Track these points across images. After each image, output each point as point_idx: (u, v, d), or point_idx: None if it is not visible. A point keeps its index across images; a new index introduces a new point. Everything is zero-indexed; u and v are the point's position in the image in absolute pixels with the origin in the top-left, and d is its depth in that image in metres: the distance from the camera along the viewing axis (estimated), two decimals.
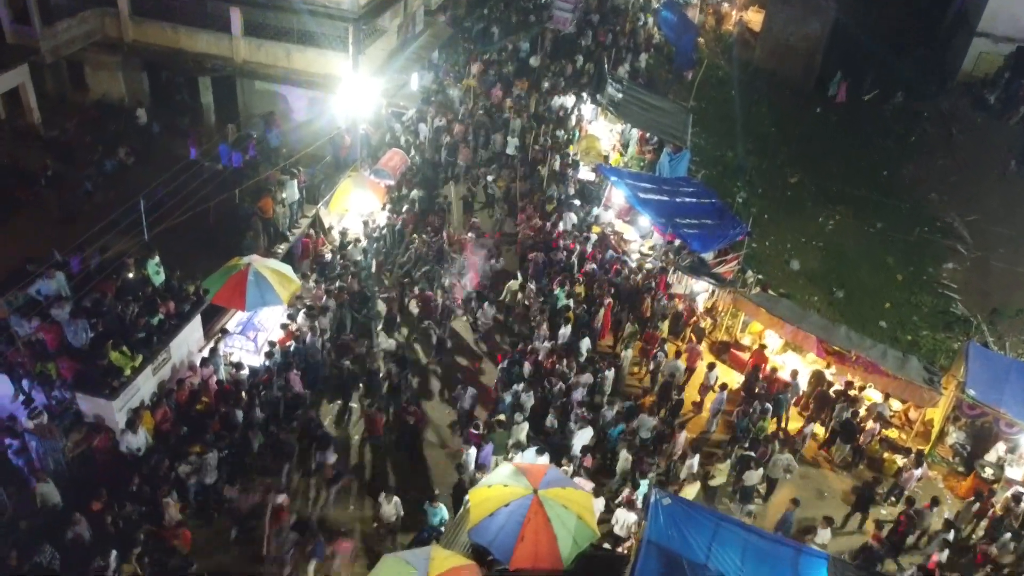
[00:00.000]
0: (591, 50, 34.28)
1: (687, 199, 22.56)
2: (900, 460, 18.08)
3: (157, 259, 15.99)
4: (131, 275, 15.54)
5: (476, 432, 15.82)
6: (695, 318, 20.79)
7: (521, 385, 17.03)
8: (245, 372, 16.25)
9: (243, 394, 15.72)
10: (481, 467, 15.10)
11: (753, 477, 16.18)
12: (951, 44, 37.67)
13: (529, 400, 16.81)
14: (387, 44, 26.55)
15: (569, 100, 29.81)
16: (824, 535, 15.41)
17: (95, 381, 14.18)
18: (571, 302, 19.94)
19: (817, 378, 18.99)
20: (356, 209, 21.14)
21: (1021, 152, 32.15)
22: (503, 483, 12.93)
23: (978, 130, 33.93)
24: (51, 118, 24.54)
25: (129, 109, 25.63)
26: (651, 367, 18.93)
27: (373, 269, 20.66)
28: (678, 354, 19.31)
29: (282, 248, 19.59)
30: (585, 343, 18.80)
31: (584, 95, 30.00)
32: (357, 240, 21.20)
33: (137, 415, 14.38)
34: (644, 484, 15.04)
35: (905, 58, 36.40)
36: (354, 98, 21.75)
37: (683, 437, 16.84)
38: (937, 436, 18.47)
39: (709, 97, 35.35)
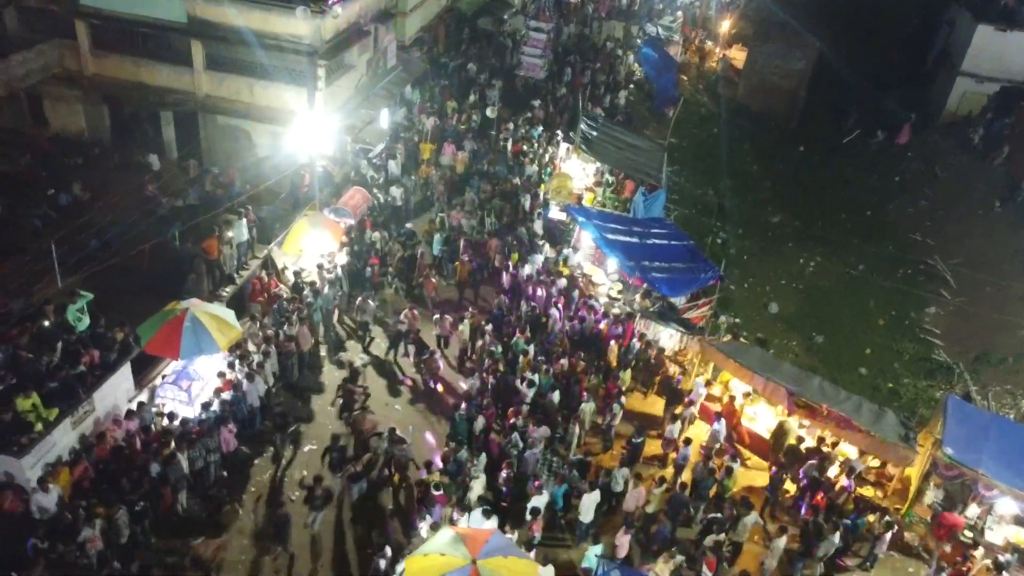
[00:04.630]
0: (560, 96, 33.34)
1: (658, 241, 21.67)
2: (874, 519, 17.05)
3: (80, 304, 15.02)
4: (47, 323, 14.57)
5: (438, 492, 14.87)
6: (663, 367, 19.86)
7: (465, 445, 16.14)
8: (175, 423, 15.25)
9: (170, 444, 14.67)
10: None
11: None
12: (934, 84, 37.37)
13: (482, 459, 15.89)
14: (354, 79, 25.95)
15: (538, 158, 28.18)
16: None
17: (2, 437, 13.18)
18: (531, 348, 19.09)
19: (780, 430, 17.91)
20: (311, 250, 20.28)
21: (1005, 192, 31.51)
22: (440, 552, 12.14)
23: (963, 169, 33.33)
24: (7, 152, 23.90)
25: (88, 143, 25.06)
26: (607, 419, 17.90)
27: (333, 314, 19.88)
28: None
29: (228, 291, 18.69)
30: (555, 396, 17.89)
31: (558, 133, 29.35)
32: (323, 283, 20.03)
33: (51, 473, 13.42)
34: (592, 552, 13.98)
35: (888, 96, 36.01)
36: (313, 134, 21.07)
37: (639, 492, 15.78)
38: (914, 495, 17.45)
39: (690, 134, 34.79)
